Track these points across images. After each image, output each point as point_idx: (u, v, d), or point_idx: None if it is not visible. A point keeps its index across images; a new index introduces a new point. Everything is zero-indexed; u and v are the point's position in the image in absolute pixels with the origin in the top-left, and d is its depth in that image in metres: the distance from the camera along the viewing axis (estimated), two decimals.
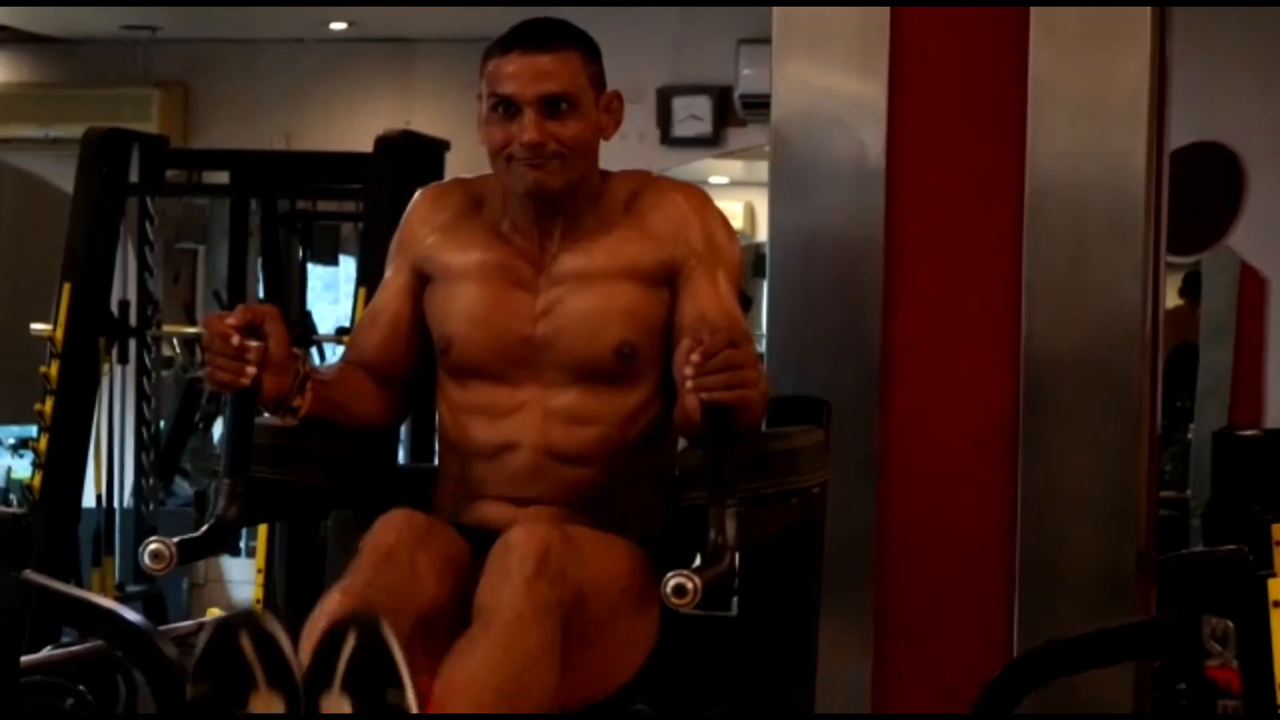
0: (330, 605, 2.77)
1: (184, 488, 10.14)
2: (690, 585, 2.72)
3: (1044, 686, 3.47)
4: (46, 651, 6.29)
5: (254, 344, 2.95)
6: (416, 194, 3.37)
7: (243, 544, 9.65)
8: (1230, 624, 3.03)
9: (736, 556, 2.83)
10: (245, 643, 2.47)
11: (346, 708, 2.44)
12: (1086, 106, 3.81)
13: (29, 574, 3.25)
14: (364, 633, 2.46)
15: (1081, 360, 3.80)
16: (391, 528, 2.98)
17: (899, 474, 3.83)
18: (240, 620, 2.49)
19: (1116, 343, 3.82)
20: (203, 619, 5.80)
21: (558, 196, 3.16)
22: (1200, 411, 9.96)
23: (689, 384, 2.87)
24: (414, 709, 2.44)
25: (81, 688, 7.78)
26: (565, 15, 3.24)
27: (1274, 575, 3.10)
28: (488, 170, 3.24)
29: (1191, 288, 10.62)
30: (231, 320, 2.97)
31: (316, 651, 2.50)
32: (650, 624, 3.10)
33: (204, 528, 2.97)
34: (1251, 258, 9.38)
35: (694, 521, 2.91)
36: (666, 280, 3.15)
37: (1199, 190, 8.55)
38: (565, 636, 2.82)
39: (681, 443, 3.13)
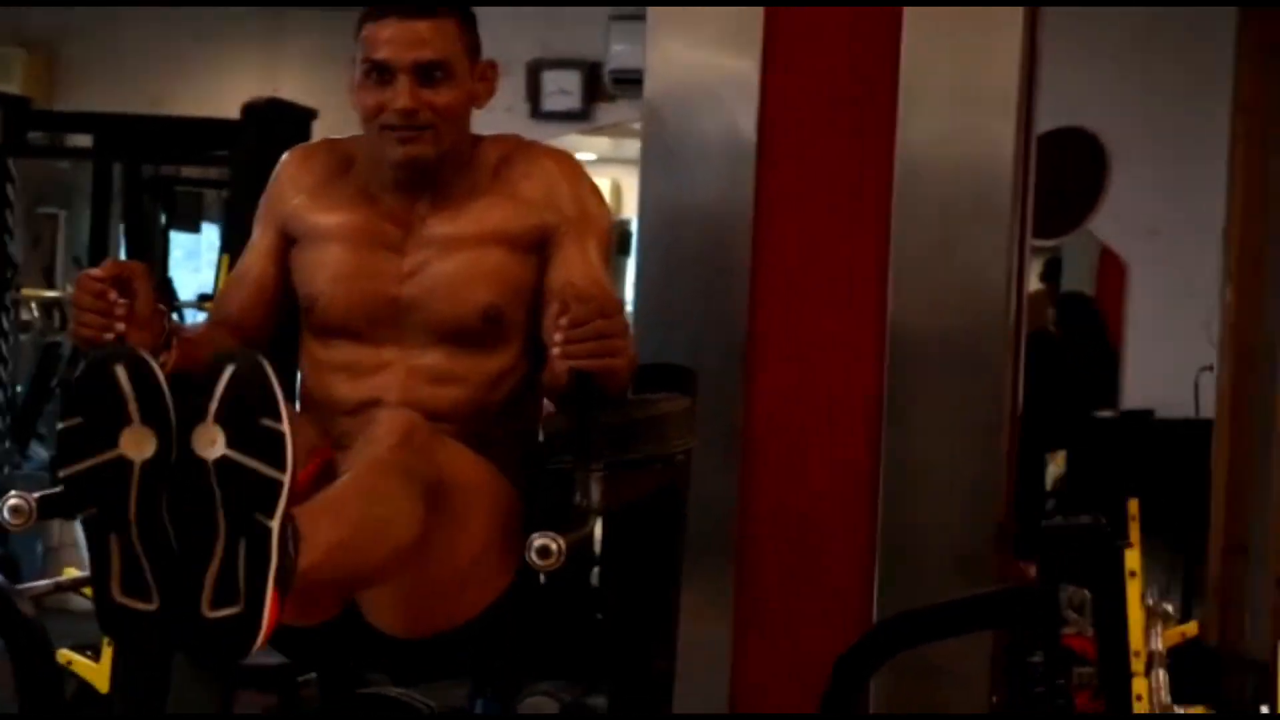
0: None
1: (40, 453, 10.05)
2: (555, 546, 2.73)
3: (905, 655, 3.51)
4: None
5: (122, 300, 2.94)
6: (285, 155, 3.35)
7: None
8: (1087, 593, 3.07)
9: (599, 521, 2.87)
10: (120, 375, 2.42)
11: (220, 439, 2.40)
12: (957, 92, 3.84)
13: None
14: (243, 363, 2.43)
15: (946, 339, 3.83)
16: None
17: (763, 444, 3.85)
18: (116, 353, 2.47)
19: (980, 323, 3.85)
20: (59, 578, 5.73)
21: (428, 165, 3.16)
22: (1059, 393, 10.05)
23: (557, 350, 2.89)
24: (288, 435, 2.41)
25: None
26: None
27: (1130, 546, 3.16)
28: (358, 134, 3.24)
29: (1052, 272, 10.72)
30: (99, 273, 2.95)
31: (192, 384, 2.46)
32: (506, 560, 3.04)
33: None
34: (1111, 242, 9.49)
35: (559, 486, 2.93)
36: (537, 246, 3.15)
37: (1062, 174, 8.65)
38: (423, 513, 2.81)
39: (548, 405, 3.14)
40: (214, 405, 2.40)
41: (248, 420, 2.40)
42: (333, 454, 3.07)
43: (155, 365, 2.44)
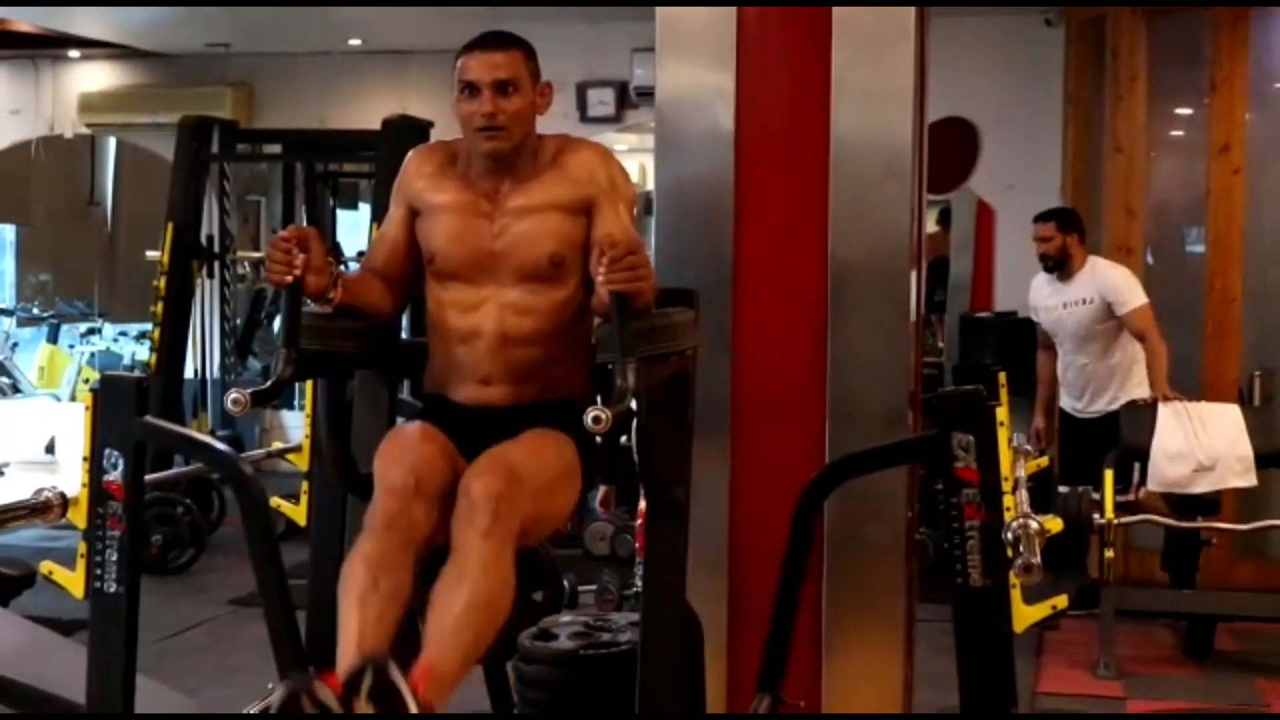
0: (368, 546, 2.87)
1: (255, 365, 10.08)
2: (604, 415, 2.73)
3: (849, 483, 3.49)
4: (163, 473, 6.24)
5: (301, 254, 2.94)
6: (410, 153, 3.34)
7: (295, 401, 9.62)
8: (971, 437, 3.05)
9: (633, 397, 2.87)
10: (306, 702, 2.60)
11: (370, 708, 2.57)
12: (870, 90, 3.79)
13: (149, 419, 3.23)
14: (377, 672, 2.58)
15: (869, 265, 3.79)
16: (394, 455, 3.00)
17: (746, 343, 3.82)
18: (300, 687, 2.63)
19: (893, 253, 3.81)
20: (270, 448, 5.76)
21: (507, 155, 3.14)
22: (950, 302, 10.03)
23: (600, 279, 2.88)
24: (413, 708, 2.57)
25: (188, 500, 7.79)
26: (514, 27, 3.23)
27: (999, 405, 3.14)
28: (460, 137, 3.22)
29: (944, 218, 10.66)
30: (285, 234, 2.96)
31: (346, 682, 2.61)
32: (577, 482, 3.10)
33: (269, 382, 2.96)
34: (984, 195, 9.44)
35: (606, 376, 2.92)
36: (583, 210, 3.13)
37: (948, 149, 8.61)
38: (521, 538, 2.89)
39: (598, 321, 3.12)
40: (364, 693, 2.57)
41: (383, 703, 2.58)
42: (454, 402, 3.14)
43: (328, 694, 2.61)
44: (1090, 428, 6.66)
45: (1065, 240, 6.78)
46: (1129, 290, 6.67)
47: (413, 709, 2.54)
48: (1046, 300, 6.89)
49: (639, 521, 4.59)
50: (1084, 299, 6.72)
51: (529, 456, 2.98)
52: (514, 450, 2.97)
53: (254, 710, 3.11)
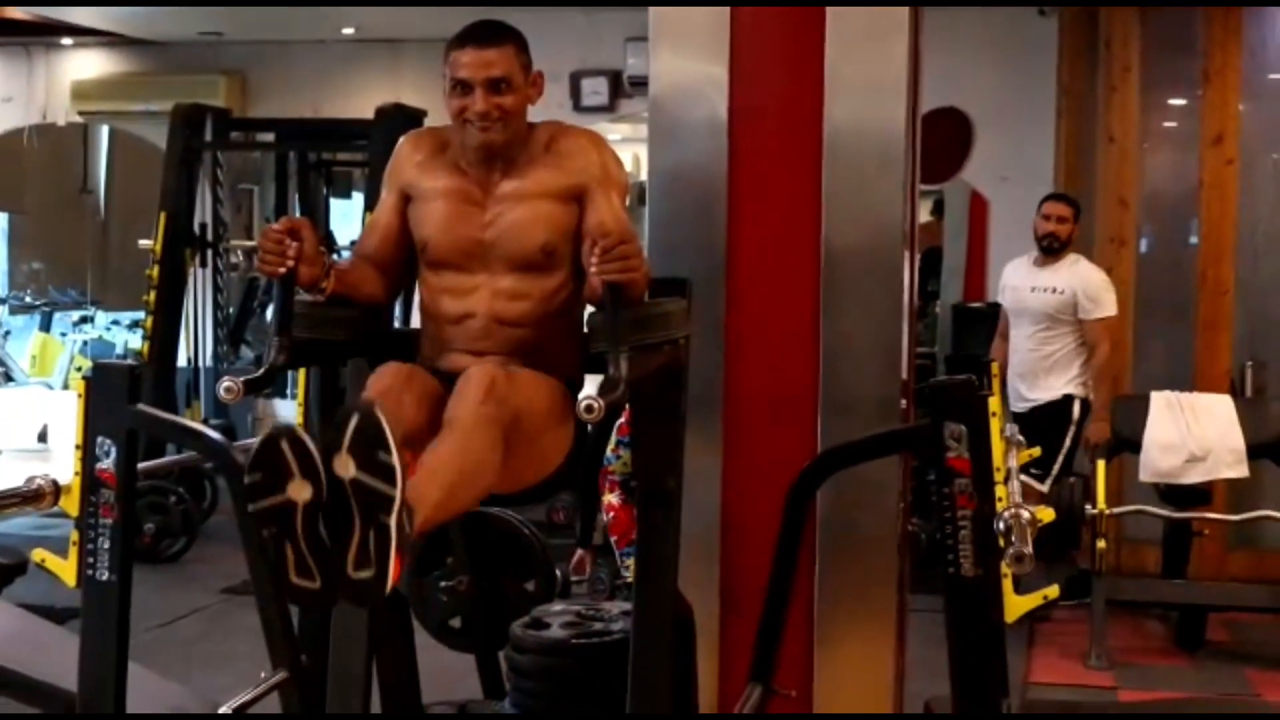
0: None
1: (247, 353, 10.07)
2: (596, 404, 2.73)
3: (842, 473, 3.49)
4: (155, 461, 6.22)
5: (293, 244, 2.93)
6: (401, 139, 3.33)
7: (288, 390, 9.61)
8: (964, 427, 3.05)
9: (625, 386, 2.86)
10: (284, 445, 2.48)
11: (351, 465, 2.45)
12: (864, 82, 3.78)
13: (142, 406, 3.22)
14: (363, 414, 2.48)
15: (863, 254, 3.78)
16: (386, 374, 3.00)
17: (739, 331, 3.82)
18: (281, 431, 2.49)
19: (886, 242, 3.81)
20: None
21: (500, 149, 3.13)
22: (944, 291, 10.04)
23: (593, 269, 2.88)
24: (397, 466, 2.45)
25: (180, 489, 7.79)
26: (507, 19, 3.22)
27: (991, 394, 3.13)
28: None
29: (938, 208, 10.67)
30: (277, 226, 2.96)
31: (328, 427, 2.53)
32: (567, 435, 3.09)
33: (261, 370, 2.96)
34: (977, 186, 9.44)
35: (599, 363, 2.92)
36: (576, 198, 3.12)
37: (942, 140, 8.60)
38: (506, 441, 2.84)
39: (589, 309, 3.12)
40: (346, 441, 2.46)
41: (369, 453, 2.45)
42: (442, 369, 3.10)
43: (307, 438, 2.49)
44: (1028, 419, 6.62)
45: (1074, 229, 6.79)
46: (1105, 297, 6.69)
47: (395, 458, 2.46)
48: (1017, 281, 6.89)
49: (609, 515, 4.60)
50: (1056, 289, 6.71)
51: (526, 376, 2.99)
52: (510, 366, 2.99)
53: (240, 701, 3.10)
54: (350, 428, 2.47)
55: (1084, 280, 6.70)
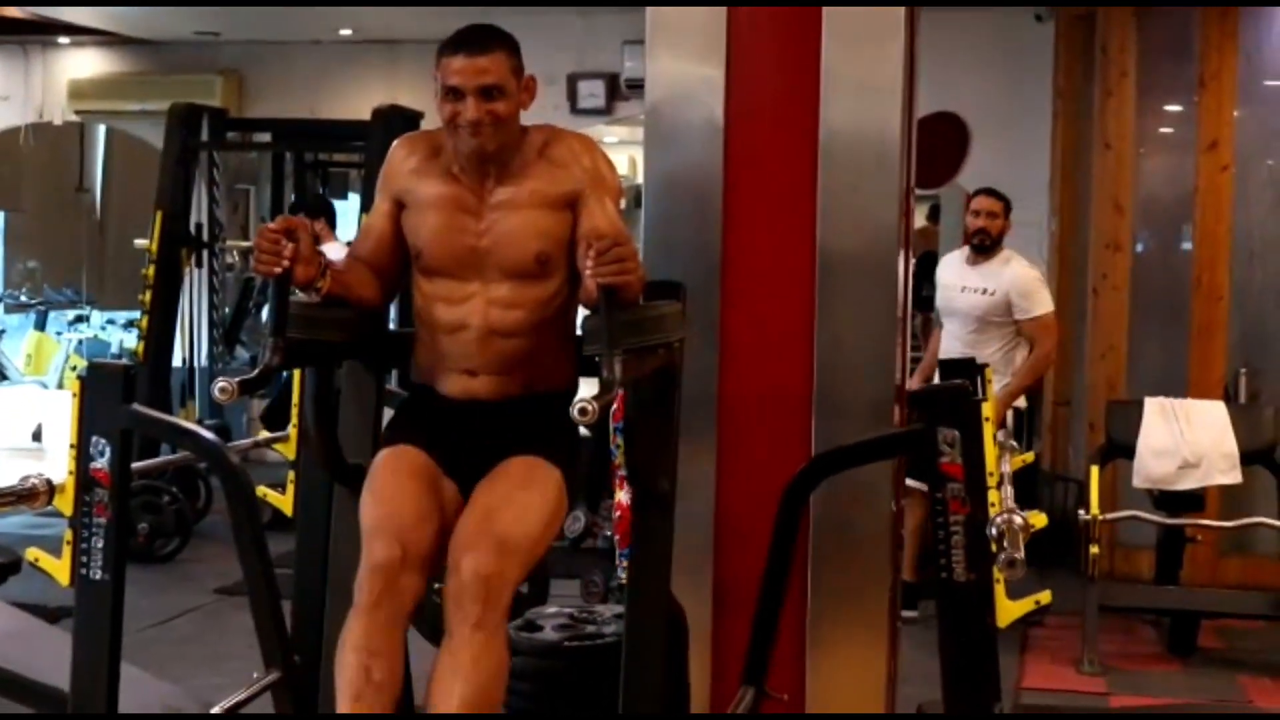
0: (358, 631, 2.91)
1: (242, 354, 10.07)
2: (590, 407, 2.74)
3: (835, 476, 3.50)
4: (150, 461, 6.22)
5: (289, 244, 2.94)
6: (395, 143, 3.33)
7: None
8: (957, 433, 3.06)
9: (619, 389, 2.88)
10: None
11: None
12: (860, 84, 3.79)
13: (136, 406, 3.23)
14: None
15: (857, 257, 3.78)
16: (381, 545, 2.97)
17: (733, 334, 3.82)
18: None
19: (881, 245, 3.81)
20: (256, 438, 5.75)
21: (493, 154, 3.13)
22: None
23: (588, 273, 2.88)
24: None
25: (175, 489, 7.79)
26: (504, 22, 3.22)
27: (985, 400, 3.14)
28: None
29: (934, 214, 10.68)
30: (273, 226, 2.96)
31: None
32: (562, 512, 3.10)
33: (256, 371, 2.96)
34: (973, 191, 9.43)
35: (593, 367, 2.92)
36: (569, 204, 3.13)
37: (939, 145, 8.61)
38: (512, 592, 2.95)
39: (584, 312, 3.13)
40: None
41: None
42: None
43: None
44: None
45: (1005, 224, 6.52)
46: (1038, 296, 6.39)
47: None
48: (948, 278, 6.62)
49: (616, 514, 4.59)
50: (986, 289, 6.40)
51: (517, 516, 2.97)
52: (502, 510, 2.97)
53: (231, 702, 3.10)
54: None
55: (1015, 279, 6.38)
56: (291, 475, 4.90)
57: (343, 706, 2.84)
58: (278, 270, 2.93)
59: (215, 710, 3.12)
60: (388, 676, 2.87)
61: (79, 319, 12.37)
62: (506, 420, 3.10)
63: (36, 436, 7.86)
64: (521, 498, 3.00)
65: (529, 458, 3.05)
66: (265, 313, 9.33)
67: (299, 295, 3.06)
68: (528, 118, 3.20)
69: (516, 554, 2.94)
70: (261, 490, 4.30)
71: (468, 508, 3.00)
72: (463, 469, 3.08)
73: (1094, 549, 5.98)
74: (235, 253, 9.51)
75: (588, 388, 2.92)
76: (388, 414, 3.60)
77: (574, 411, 2.74)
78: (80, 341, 12.00)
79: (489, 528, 2.93)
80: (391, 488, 3.04)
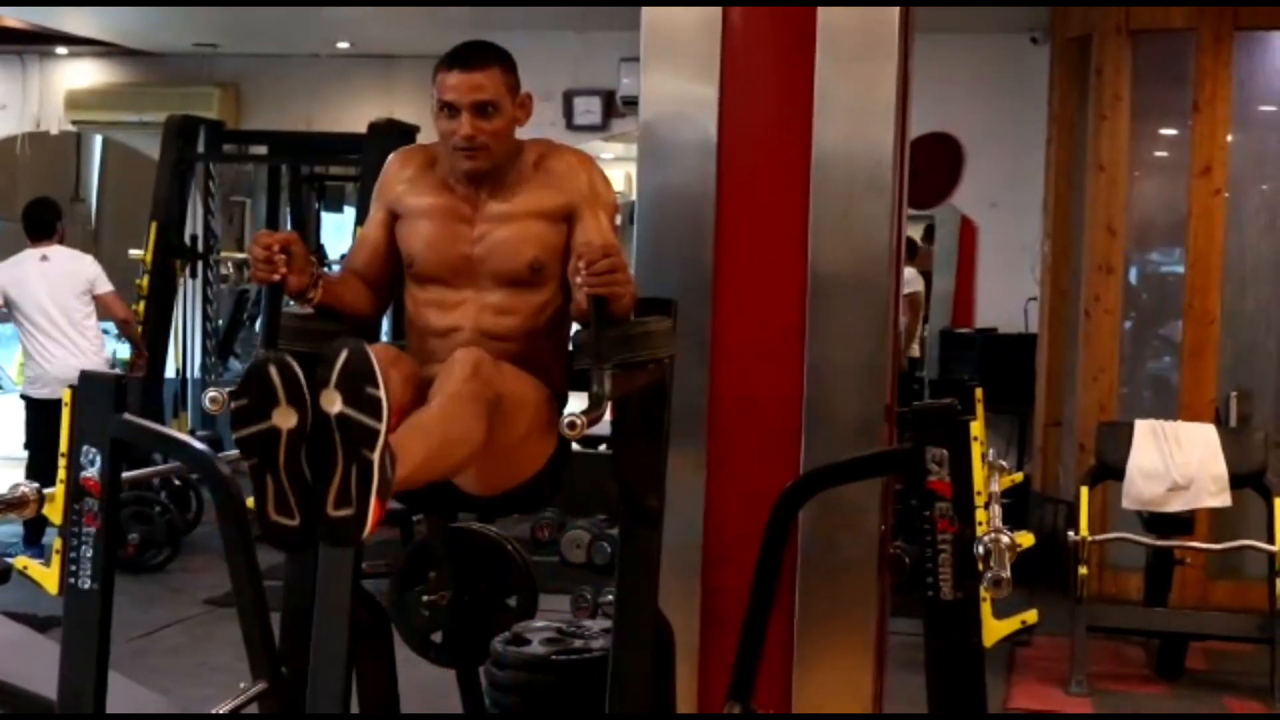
0: None
1: (236, 365, 10.07)
2: (579, 422, 2.75)
3: (823, 494, 3.50)
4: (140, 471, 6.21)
5: (282, 255, 2.95)
6: (390, 156, 3.35)
7: None
8: (945, 451, 3.06)
9: (610, 404, 2.89)
10: (273, 371, 2.52)
11: (338, 400, 2.49)
12: (854, 104, 3.80)
13: (128, 416, 3.23)
14: (352, 349, 2.52)
15: (849, 276, 3.79)
16: (374, 351, 2.98)
17: (724, 352, 3.83)
18: (270, 356, 2.54)
19: (872, 264, 3.81)
20: None
21: (487, 174, 3.14)
22: (933, 316, 10.07)
23: (579, 283, 2.89)
24: (384, 401, 2.49)
25: (165, 499, 7.79)
26: (502, 38, 3.23)
27: (974, 419, 3.15)
28: None
29: (928, 234, 10.70)
30: (267, 240, 2.96)
31: (319, 361, 2.54)
32: (549, 441, 3.11)
33: None
34: (967, 212, 9.48)
35: (583, 380, 2.93)
36: (564, 217, 3.15)
37: (933, 165, 8.64)
38: (489, 421, 2.87)
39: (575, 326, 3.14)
40: (334, 376, 2.49)
41: (357, 388, 2.48)
42: (424, 376, 3.07)
43: (296, 366, 2.52)
44: None
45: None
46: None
47: (382, 393, 2.50)
48: None
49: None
50: None
51: (512, 369, 3.03)
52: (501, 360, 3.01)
53: (222, 709, 3.10)
54: (339, 363, 2.51)
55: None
56: None
57: None
58: (275, 278, 2.94)
59: None
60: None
61: None
62: None
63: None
64: (516, 369, 3.05)
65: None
66: (259, 325, 9.35)
67: (291, 305, 3.07)
68: (523, 133, 3.21)
69: (507, 374, 2.97)
70: (252, 501, 4.30)
71: None
72: None
73: (1083, 570, 5.99)
74: (230, 264, 9.52)
75: (578, 403, 2.93)
76: None
77: (563, 426, 2.75)
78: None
79: (482, 350, 2.97)
80: (378, 351, 3.02)
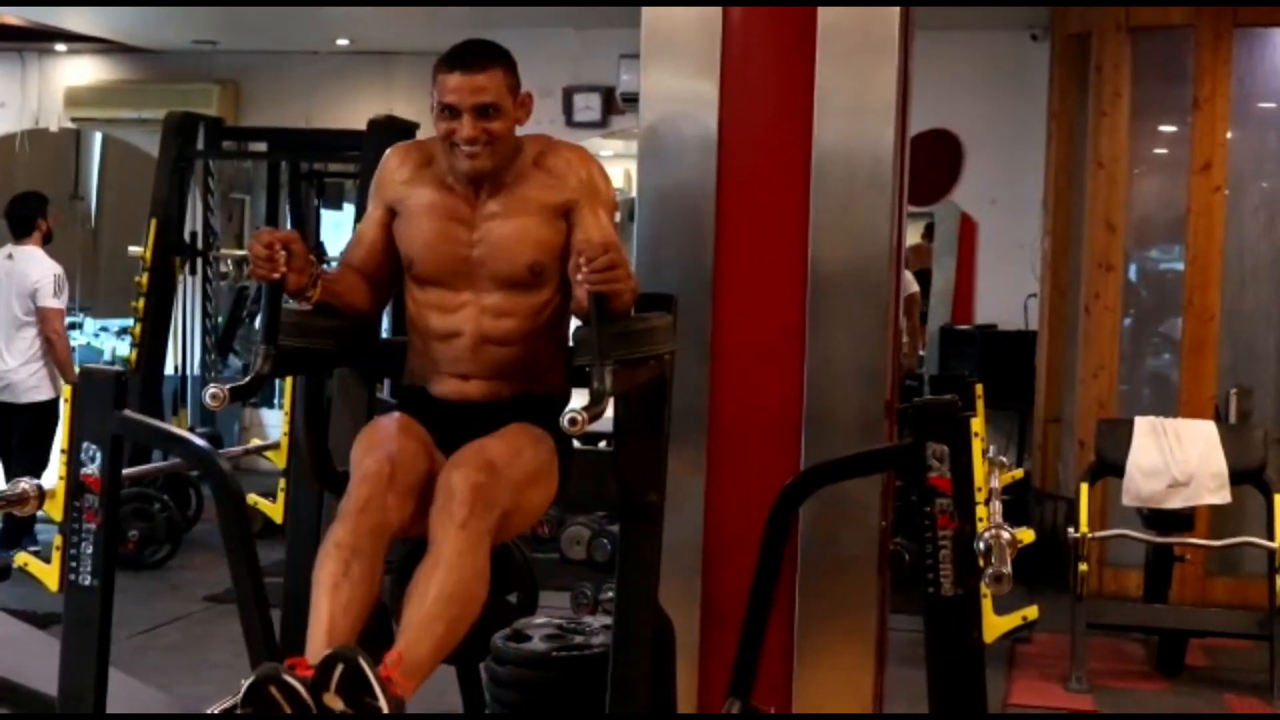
0: (341, 532, 2.88)
1: (235, 363, 10.07)
2: (580, 418, 2.75)
3: (824, 490, 3.50)
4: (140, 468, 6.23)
5: (282, 253, 2.94)
6: (388, 151, 3.33)
7: (275, 399, 9.62)
8: (946, 447, 3.07)
9: (611, 400, 2.88)
10: (273, 689, 2.58)
11: (339, 702, 2.57)
12: (854, 102, 3.80)
13: (128, 412, 3.23)
14: (348, 661, 2.59)
15: (849, 273, 3.79)
16: (369, 470, 2.95)
17: (725, 348, 3.83)
18: (268, 673, 2.60)
19: (872, 261, 3.81)
20: (248, 445, 5.76)
21: (488, 174, 3.13)
22: (933, 313, 10.06)
23: (579, 279, 2.89)
24: (384, 705, 2.57)
25: (165, 496, 7.79)
26: (501, 36, 3.22)
27: (974, 415, 3.15)
28: None
29: (929, 231, 10.70)
30: (267, 238, 2.95)
31: (316, 672, 2.61)
32: (554, 479, 3.11)
33: (247, 378, 2.97)
34: (967, 208, 9.47)
35: (584, 379, 2.92)
36: (563, 214, 3.13)
37: (933, 162, 8.64)
38: (497, 533, 2.92)
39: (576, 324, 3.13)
40: (333, 685, 2.58)
41: (355, 695, 2.58)
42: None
43: (295, 681, 2.59)
44: None
45: None
46: None
47: (382, 703, 2.56)
48: None
49: None
50: None
51: (508, 451, 2.98)
52: (493, 444, 2.98)
53: (221, 707, 3.11)
54: (336, 674, 2.58)
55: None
56: (282, 483, 4.91)
57: (318, 599, 2.81)
58: (276, 276, 2.93)
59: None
60: (366, 575, 2.83)
61: (72, 326, 12.35)
62: (500, 415, 3.10)
63: None
64: (514, 441, 3.02)
65: (522, 423, 3.07)
66: (258, 322, 9.35)
67: (290, 303, 3.07)
68: (522, 129, 3.20)
69: (506, 478, 2.93)
70: (252, 498, 4.30)
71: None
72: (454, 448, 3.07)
73: (1083, 567, 6.00)
74: (229, 261, 9.53)
75: (579, 399, 2.93)
76: None
77: (564, 421, 2.75)
78: (73, 349, 11.98)
79: (480, 454, 2.94)
80: (386, 430, 3.05)
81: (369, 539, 2.86)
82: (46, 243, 7.78)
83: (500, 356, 3.12)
